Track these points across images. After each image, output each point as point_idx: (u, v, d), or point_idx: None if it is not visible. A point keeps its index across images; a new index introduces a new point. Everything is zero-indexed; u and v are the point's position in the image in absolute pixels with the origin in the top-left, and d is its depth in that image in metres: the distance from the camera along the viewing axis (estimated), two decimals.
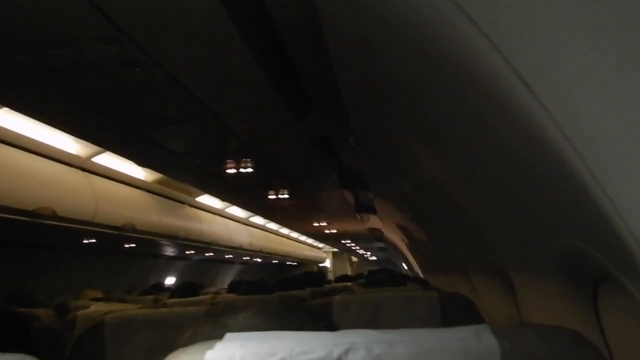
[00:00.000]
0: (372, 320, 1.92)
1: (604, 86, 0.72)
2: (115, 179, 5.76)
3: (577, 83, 0.74)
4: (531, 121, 0.84)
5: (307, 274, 5.78)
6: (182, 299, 3.30)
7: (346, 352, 0.59)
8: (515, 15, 0.76)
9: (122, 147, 4.53)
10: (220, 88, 3.02)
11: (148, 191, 6.53)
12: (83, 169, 5.17)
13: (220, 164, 4.89)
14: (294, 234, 14.10)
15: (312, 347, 0.59)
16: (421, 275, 8.46)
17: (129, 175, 6.01)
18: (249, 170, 4.98)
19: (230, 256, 11.11)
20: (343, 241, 13.91)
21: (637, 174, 0.72)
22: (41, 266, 6.38)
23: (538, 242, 1.44)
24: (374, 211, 7.51)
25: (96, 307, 3.04)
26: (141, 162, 5.36)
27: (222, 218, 9.24)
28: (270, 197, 6.57)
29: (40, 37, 2.30)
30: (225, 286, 6.20)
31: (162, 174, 6.15)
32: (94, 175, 5.33)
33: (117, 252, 7.46)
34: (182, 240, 7.65)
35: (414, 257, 8.42)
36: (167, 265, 9.69)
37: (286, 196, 6.55)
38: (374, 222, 9.26)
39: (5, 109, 3.74)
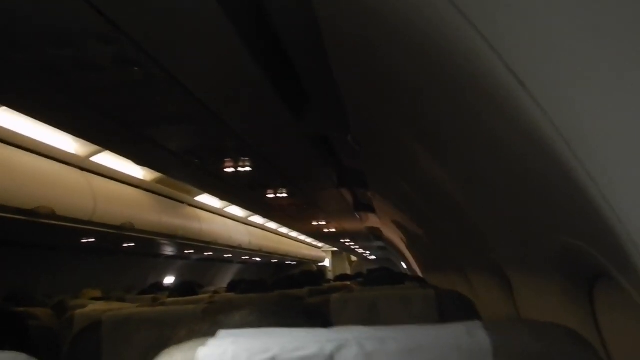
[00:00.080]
0: (370, 318, 1.92)
1: (601, 88, 0.72)
2: (114, 178, 5.76)
3: (574, 84, 0.74)
4: (529, 121, 0.85)
5: (306, 273, 5.78)
6: (180, 298, 3.30)
7: (338, 348, 0.59)
8: (514, 16, 0.77)
9: (122, 147, 4.53)
10: (219, 87, 3.02)
11: (147, 190, 6.53)
12: (82, 168, 5.17)
13: (219, 163, 4.89)
14: (294, 233, 14.11)
15: (305, 343, 0.59)
16: (420, 274, 8.46)
17: (127, 175, 6.01)
18: (248, 169, 4.98)
19: (230, 255, 11.11)
20: (342, 240, 13.92)
21: (633, 174, 0.72)
22: (40, 266, 6.38)
23: (535, 240, 1.44)
24: (372, 210, 7.51)
25: (94, 306, 3.04)
26: (140, 161, 5.36)
27: (221, 217, 9.24)
28: (269, 196, 6.57)
29: (40, 37, 2.30)
30: (225, 286, 6.20)
31: (161, 173, 6.15)
32: (92, 175, 5.33)
33: (116, 252, 7.46)
34: (181, 240, 7.65)
35: (413, 256, 8.43)
36: (166, 264, 9.69)
37: (285, 195, 6.55)
38: (373, 221, 9.27)
39: (4, 108, 3.74)
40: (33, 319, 2.47)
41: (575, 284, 1.37)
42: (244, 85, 2.96)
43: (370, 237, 12.29)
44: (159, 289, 6.12)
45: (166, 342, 0.71)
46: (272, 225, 12.06)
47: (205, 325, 0.76)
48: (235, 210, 9.67)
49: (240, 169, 4.96)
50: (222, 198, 8.27)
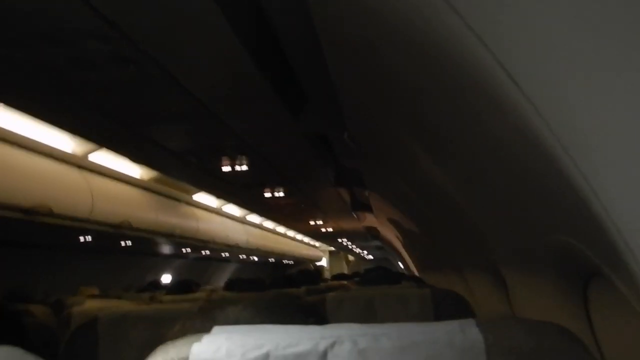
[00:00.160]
0: (366, 317, 1.93)
1: (595, 89, 0.73)
2: (111, 177, 5.75)
3: (568, 85, 0.75)
4: (525, 123, 0.85)
5: (303, 272, 5.78)
6: (177, 297, 3.30)
7: (332, 345, 0.59)
8: (511, 18, 0.77)
9: (119, 145, 4.53)
10: (217, 87, 3.02)
11: (145, 189, 6.53)
12: (79, 167, 5.16)
13: (216, 162, 4.89)
14: (291, 233, 14.10)
15: (298, 340, 0.59)
16: (417, 273, 8.47)
17: (125, 174, 6.01)
18: (245, 168, 4.98)
19: (227, 254, 11.11)
20: (339, 240, 13.92)
21: (624, 174, 0.73)
22: (39, 265, 6.37)
23: (530, 239, 1.45)
24: (370, 210, 7.52)
25: (91, 304, 3.05)
26: (138, 159, 5.36)
27: (218, 216, 9.24)
28: (266, 195, 6.57)
29: (39, 35, 2.30)
30: (222, 284, 6.20)
31: (159, 171, 6.15)
32: (90, 173, 5.32)
33: (114, 251, 7.45)
34: (179, 239, 7.65)
35: (410, 256, 8.43)
36: (164, 263, 9.69)
37: (283, 195, 6.55)
38: (370, 220, 9.27)
39: (1, 106, 3.73)
40: (31, 316, 2.48)
41: (569, 283, 1.38)
42: (243, 85, 2.96)
43: (368, 236, 12.30)
44: (156, 287, 6.12)
45: (162, 340, 0.71)
46: (270, 224, 12.05)
47: (198, 320, 0.77)
48: (233, 209, 9.66)
49: (238, 168, 4.96)
50: (219, 197, 8.27)
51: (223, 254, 10.92)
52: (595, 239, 0.93)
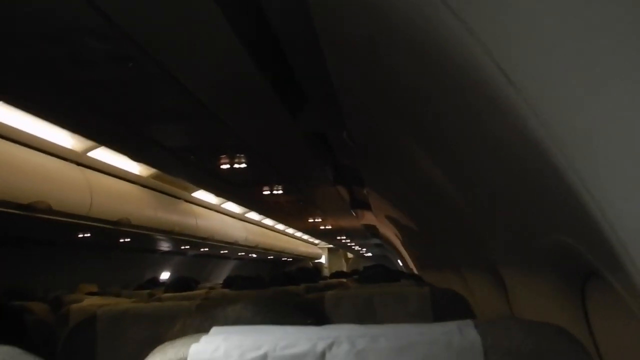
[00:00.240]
0: (364, 315, 1.93)
1: (592, 89, 0.73)
2: (110, 174, 5.76)
3: (564, 85, 0.75)
4: (523, 123, 0.86)
5: (302, 269, 5.79)
6: (176, 294, 3.30)
7: (330, 346, 0.59)
8: (508, 19, 0.77)
9: (118, 143, 4.52)
10: (216, 85, 3.02)
11: (144, 186, 6.53)
12: (78, 164, 5.16)
13: (215, 160, 4.88)
14: (290, 230, 14.11)
15: (296, 341, 0.59)
16: (416, 271, 8.48)
17: (124, 170, 6.01)
18: (244, 166, 4.98)
19: (226, 252, 11.12)
20: (339, 237, 13.93)
21: (619, 174, 0.73)
22: (37, 262, 6.38)
23: (529, 239, 1.45)
24: (369, 207, 7.52)
25: (90, 301, 3.05)
26: (136, 157, 5.36)
27: (218, 213, 9.24)
28: (265, 193, 6.57)
29: (38, 33, 2.30)
30: (221, 282, 6.21)
31: (158, 169, 6.15)
32: (89, 170, 5.33)
33: (112, 247, 7.46)
34: (178, 236, 7.65)
35: (409, 254, 8.44)
36: (163, 260, 9.70)
37: (282, 192, 6.56)
38: (369, 218, 9.27)
39: (1, 102, 3.73)
40: (29, 313, 2.48)
41: (568, 283, 1.38)
42: (242, 83, 2.96)
43: (367, 234, 12.31)
44: (155, 284, 6.12)
45: (160, 338, 0.71)
46: (269, 221, 12.06)
47: (197, 319, 0.77)
48: (232, 207, 9.67)
49: (236, 165, 4.96)
50: (218, 195, 8.27)
51: (222, 251, 10.93)
52: (592, 240, 0.93)
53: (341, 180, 6.35)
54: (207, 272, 12.14)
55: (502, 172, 1.31)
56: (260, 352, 0.58)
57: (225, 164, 4.92)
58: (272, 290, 2.91)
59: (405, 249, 8.44)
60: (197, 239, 8.40)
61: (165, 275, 9.87)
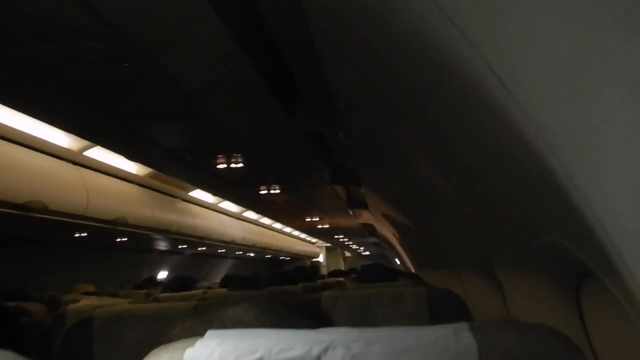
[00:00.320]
0: (362, 316, 1.93)
1: (584, 91, 0.73)
2: (107, 173, 5.75)
3: (556, 87, 0.75)
4: (517, 125, 0.86)
5: (300, 268, 5.78)
6: (173, 294, 3.30)
7: (325, 350, 0.59)
8: (502, 20, 0.77)
9: (115, 143, 4.52)
10: (212, 84, 3.02)
11: (140, 185, 6.52)
12: (75, 163, 5.15)
13: (212, 160, 4.88)
14: (288, 229, 14.11)
15: (291, 345, 0.59)
16: (413, 270, 8.49)
17: (121, 169, 6.00)
18: (241, 165, 4.97)
19: (223, 251, 11.11)
20: (336, 236, 13.94)
21: (613, 178, 0.73)
22: (34, 262, 6.36)
23: (524, 240, 1.45)
24: (366, 207, 7.53)
25: (87, 302, 3.04)
26: (133, 157, 5.35)
27: (215, 212, 9.23)
28: (262, 192, 6.57)
29: (34, 33, 2.29)
30: (218, 281, 6.21)
31: (154, 169, 6.14)
32: (85, 169, 5.31)
33: (109, 247, 7.45)
34: (175, 235, 7.65)
35: (406, 253, 8.45)
36: (160, 259, 9.69)
37: (279, 192, 6.55)
38: (366, 217, 9.28)
39: None
40: (25, 314, 2.47)
41: (563, 283, 1.39)
42: (238, 82, 2.96)
43: (364, 233, 12.32)
44: (152, 284, 6.12)
45: (157, 339, 0.71)
46: (266, 220, 12.06)
47: (196, 323, 0.77)
48: (229, 206, 9.66)
49: (233, 165, 4.95)
50: (215, 194, 8.26)
51: (219, 250, 10.92)
52: (586, 241, 0.94)
53: (338, 179, 6.35)
54: (204, 272, 12.13)
55: (498, 173, 1.31)
56: (256, 356, 0.58)
57: (221, 163, 4.92)
58: (269, 290, 2.91)
59: (403, 248, 8.45)
60: (194, 238, 8.40)
61: (162, 275, 9.86)
